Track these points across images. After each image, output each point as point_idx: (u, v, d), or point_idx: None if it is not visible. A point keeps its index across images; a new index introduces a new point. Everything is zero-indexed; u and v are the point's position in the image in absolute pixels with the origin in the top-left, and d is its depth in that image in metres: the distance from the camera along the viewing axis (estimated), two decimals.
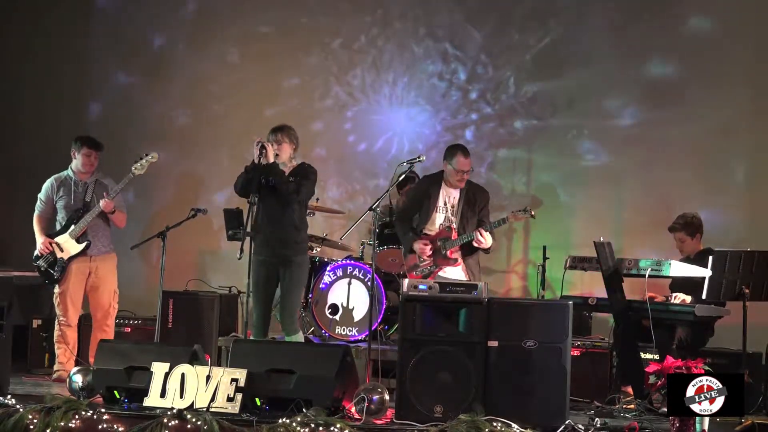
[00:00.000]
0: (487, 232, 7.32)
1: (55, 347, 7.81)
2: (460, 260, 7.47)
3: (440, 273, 7.50)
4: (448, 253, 7.47)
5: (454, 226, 7.47)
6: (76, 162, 7.83)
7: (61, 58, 10.04)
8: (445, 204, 7.55)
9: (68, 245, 7.70)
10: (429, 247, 7.51)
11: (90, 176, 7.85)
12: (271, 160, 7.10)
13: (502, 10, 9.40)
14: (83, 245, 7.70)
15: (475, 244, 7.35)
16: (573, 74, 9.24)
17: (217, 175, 9.63)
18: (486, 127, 9.40)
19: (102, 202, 7.65)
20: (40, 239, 7.77)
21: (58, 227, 7.79)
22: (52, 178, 7.89)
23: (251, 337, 7.22)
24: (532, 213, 7.35)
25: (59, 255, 7.70)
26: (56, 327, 7.80)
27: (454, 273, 7.49)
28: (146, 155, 7.75)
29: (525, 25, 9.34)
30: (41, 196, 7.88)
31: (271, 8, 9.79)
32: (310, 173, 7.27)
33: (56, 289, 7.78)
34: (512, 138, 9.36)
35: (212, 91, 9.87)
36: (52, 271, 7.72)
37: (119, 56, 10.03)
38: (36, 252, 7.77)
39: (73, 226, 7.70)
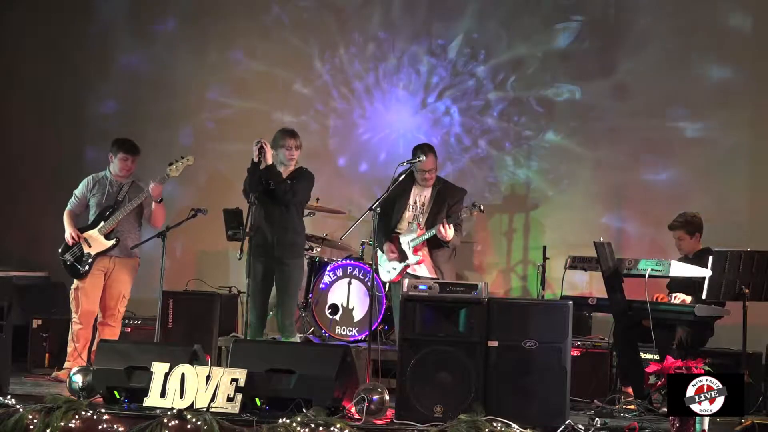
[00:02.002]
0: (450, 226, 7.32)
1: (68, 345, 7.78)
2: (423, 257, 7.46)
3: (409, 271, 7.50)
4: (413, 251, 7.48)
5: (420, 223, 7.49)
6: (113, 165, 7.81)
7: (62, 60, 10.03)
8: (415, 203, 7.59)
9: (96, 241, 7.66)
10: (395, 254, 7.55)
11: (126, 178, 7.84)
12: (269, 161, 7.13)
13: (503, 12, 9.40)
14: (112, 242, 7.66)
15: (438, 235, 7.35)
16: (572, 76, 9.23)
17: (219, 175, 9.65)
18: (485, 127, 9.39)
19: (152, 185, 7.57)
20: (69, 230, 7.72)
21: (87, 223, 7.78)
22: (91, 176, 7.89)
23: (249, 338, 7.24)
24: (481, 208, 7.35)
25: (86, 250, 7.67)
26: (71, 325, 7.77)
27: (422, 271, 7.50)
28: (182, 157, 7.70)
29: (526, 27, 9.34)
30: (76, 192, 7.87)
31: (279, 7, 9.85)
32: (307, 178, 7.37)
33: (74, 284, 7.72)
34: (511, 138, 9.35)
35: (215, 91, 9.87)
36: (78, 266, 7.67)
37: (125, 58, 10.04)
38: (64, 244, 7.71)
39: (102, 223, 7.67)
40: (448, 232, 7.32)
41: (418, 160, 7.68)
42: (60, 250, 7.76)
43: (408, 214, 7.60)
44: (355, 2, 9.68)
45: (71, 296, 7.73)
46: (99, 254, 7.67)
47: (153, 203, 7.67)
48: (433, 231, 7.35)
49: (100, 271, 7.70)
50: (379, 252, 7.66)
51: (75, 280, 7.72)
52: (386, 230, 7.62)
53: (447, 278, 7.35)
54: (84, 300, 7.68)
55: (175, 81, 9.93)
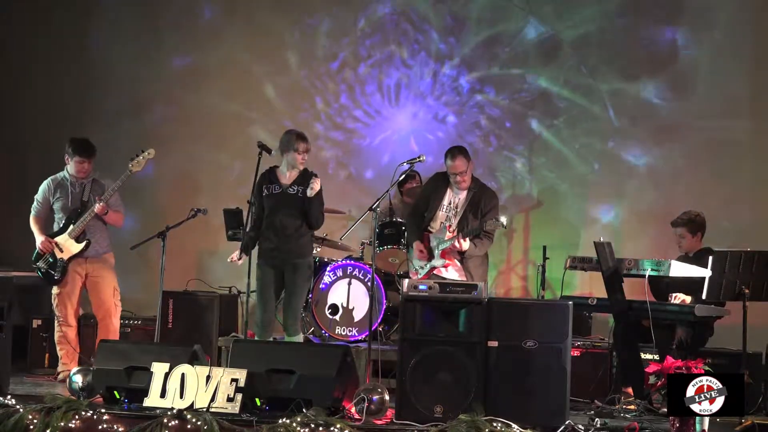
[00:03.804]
0: (465, 239, 7.34)
1: (57, 348, 7.81)
2: (451, 261, 7.48)
3: (435, 273, 7.53)
4: (441, 254, 7.49)
5: (451, 226, 7.49)
6: (70, 167, 7.82)
7: (64, 58, 10.02)
8: (449, 204, 7.59)
9: (68, 245, 7.70)
10: (424, 253, 7.56)
11: (86, 178, 7.84)
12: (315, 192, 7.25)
13: (505, 6, 9.39)
14: (83, 244, 7.69)
15: (452, 247, 7.39)
16: (575, 74, 9.22)
17: (217, 175, 9.65)
18: (487, 127, 9.39)
19: (96, 207, 7.62)
20: (39, 238, 7.76)
21: (56, 228, 7.79)
22: (49, 179, 7.88)
23: (255, 338, 7.25)
24: (504, 224, 7.37)
25: (59, 255, 7.70)
26: (56, 328, 7.80)
27: (450, 274, 7.51)
28: (143, 151, 7.75)
29: (528, 26, 9.32)
30: (38, 197, 7.88)
31: (279, 8, 9.82)
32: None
33: (54, 290, 7.78)
34: (512, 138, 9.34)
35: (212, 90, 9.85)
36: (52, 272, 7.72)
37: (122, 59, 10.01)
38: (35, 252, 7.77)
39: (71, 226, 7.70)
40: (463, 245, 7.34)
41: (418, 159, 7.69)
42: (33, 258, 7.79)
43: (441, 214, 7.61)
44: None
45: (55, 302, 7.79)
46: (72, 258, 7.70)
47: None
48: (452, 240, 7.37)
49: (76, 272, 7.74)
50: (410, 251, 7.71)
51: (55, 286, 7.76)
52: (418, 229, 7.64)
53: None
54: (68, 303, 7.76)
55: (172, 83, 9.94)
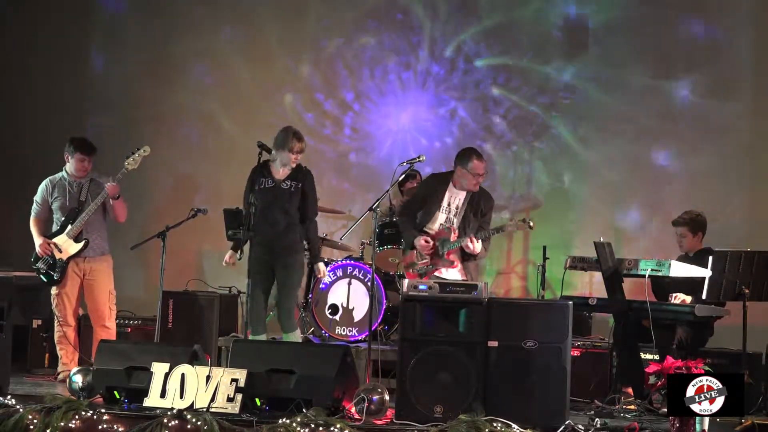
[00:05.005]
0: (479, 240, 7.34)
1: (57, 349, 7.81)
2: (457, 262, 7.48)
3: (437, 274, 7.52)
4: (446, 254, 7.48)
5: (455, 227, 7.48)
6: (70, 165, 7.81)
7: (64, 59, 10.03)
8: (449, 205, 7.57)
9: (66, 245, 7.70)
10: (430, 245, 7.53)
11: (84, 177, 7.85)
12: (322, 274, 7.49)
13: (504, 8, 9.38)
14: (81, 244, 7.69)
15: (465, 248, 7.38)
16: (575, 73, 9.22)
17: (216, 174, 9.65)
18: (486, 127, 9.39)
19: (108, 186, 7.58)
20: (38, 241, 7.76)
21: (54, 228, 7.79)
22: (47, 179, 7.88)
23: (251, 337, 7.25)
24: (531, 224, 7.36)
25: (58, 256, 7.70)
26: (56, 328, 7.80)
27: (452, 275, 7.50)
28: (138, 149, 7.73)
29: (527, 24, 9.33)
30: (37, 198, 7.88)
31: (272, 9, 9.81)
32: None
33: (53, 290, 7.78)
34: (512, 138, 9.35)
35: (212, 92, 9.86)
36: (52, 273, 7.72)
37: (121, 59, 10.01)
38: (34, 254, 7.77)
39: (70, 226, 7.70)
40: (476, 246, 7.33)
41: (418, 159, 7.69)
42: (32, 260, 7.80)
43: (440, 216, 7.58)
44: None
45: (54, 302, 7.78)
46: (71, 258, 7.70)
47: (111, 200, 7.68)
48: (462, 241, 7.36)
49: (75, 273, 7.74)
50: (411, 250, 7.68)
51: (54, 286, 7.77)
52: (414, 227, 7.61)
53: None
54: (67, 303, 7.75)
55: (172, 83, 9.94)
